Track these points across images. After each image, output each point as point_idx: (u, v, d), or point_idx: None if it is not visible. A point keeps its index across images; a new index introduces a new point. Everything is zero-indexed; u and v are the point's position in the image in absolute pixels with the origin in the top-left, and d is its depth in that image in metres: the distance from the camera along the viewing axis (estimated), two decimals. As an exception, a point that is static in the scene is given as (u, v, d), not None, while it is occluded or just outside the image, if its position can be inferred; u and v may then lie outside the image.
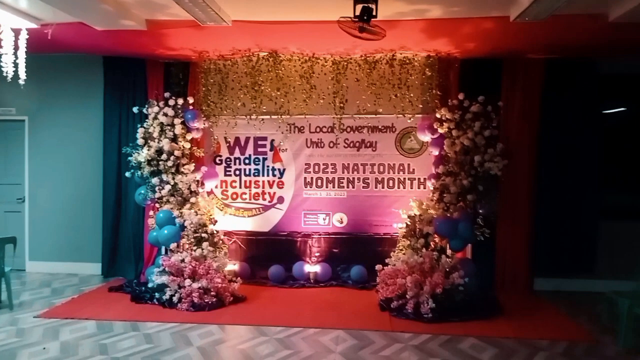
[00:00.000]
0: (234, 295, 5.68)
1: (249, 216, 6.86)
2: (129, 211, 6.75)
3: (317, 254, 6.66)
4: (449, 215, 5.81)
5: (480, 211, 5.83)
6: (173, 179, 6.11)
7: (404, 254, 5.78)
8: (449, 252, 5.72)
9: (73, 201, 7.04)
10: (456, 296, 5.24)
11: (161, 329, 4.79)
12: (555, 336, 4.71)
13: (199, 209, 6.14)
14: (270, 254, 6.69)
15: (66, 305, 5.55)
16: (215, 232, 6.14)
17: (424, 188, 6.54)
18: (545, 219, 6.29)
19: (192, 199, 6.13)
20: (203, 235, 5.94)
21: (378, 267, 5.83)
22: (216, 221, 6.28)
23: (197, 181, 6.30)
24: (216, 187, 6.82)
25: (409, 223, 5.98)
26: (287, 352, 4.24)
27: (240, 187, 6.86)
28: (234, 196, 6.87)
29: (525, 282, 6.29)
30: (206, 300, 5.40)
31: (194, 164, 6.30)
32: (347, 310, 5.44)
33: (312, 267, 6.55)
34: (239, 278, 6.02)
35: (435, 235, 5.76)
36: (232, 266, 6.53)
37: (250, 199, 6.85)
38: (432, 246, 5.72)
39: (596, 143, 6.30)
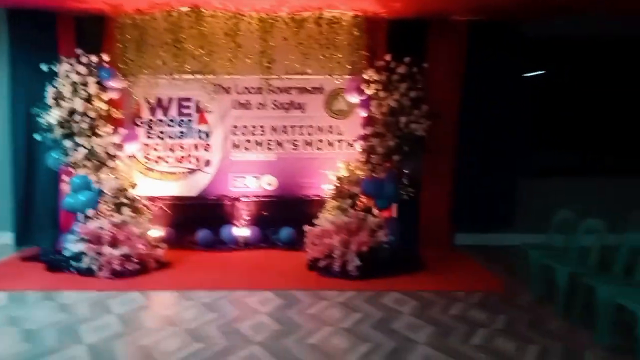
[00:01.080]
0: (159, 262, 5.52)
1: (174, 180, 6.63)
2: (41, 176, 6.28)
3: (246, 218, 6.57)
4: (375, 175, 5.89)
5: (406, 171, 5.96)
6: (88, 141, 5.74)
7: (332, 214, 5.83)
8: (375, 211, 5.82)
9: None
10: (381, 254, 5.37)
11: (79, 298, 4.58)
12: (471, 288, 4.98)
13: (118, 174, 5.84)
14: (198, 218, 6.53)
15: (-27, 277, 5.17)
16: (136, 197, 5.88)
17: (353, 149, 6.58)
18: (467, 177, 6.53)
19: (111, 163, 5.81)
20: (123, 200, 5.68)
21: (307, 227, 5.85)
22: (136, 185, 6.00)
23: (116, 144, 5.96)
24: (138, 150, 6.51)
25: (337, 184, 6.01)
26: (212, 316, 4.19)
27: (164, 150, 6.59)
28: (158, 160, 6.59)
29: (447, 238, 6.57)
30: (128, 268, 5.21)
31: (111, 127, 5.94)
32: (276, 271, 5.45)
33: (241, 231, 6.48)
34: (164, 244, 5.83)
35: (362, 196, 5.85)
36: (159, 232, 6.32)
37: (175, 162, 6.61)
38: (359, 206, 5.81)
39: (519, 105, 6.54)
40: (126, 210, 5.59)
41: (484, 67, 6.41)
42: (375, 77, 5.92)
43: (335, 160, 6.43)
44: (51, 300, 4.51)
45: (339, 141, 6.64)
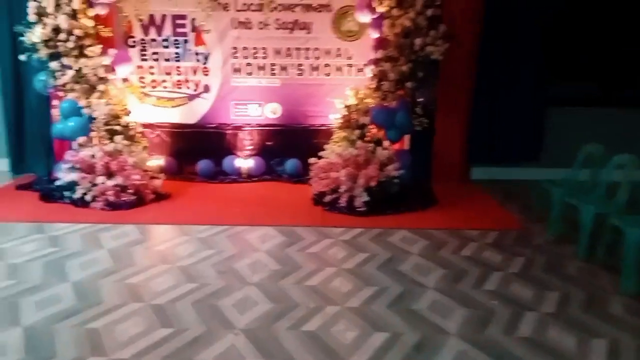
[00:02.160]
0: (156, 193, 5.24)
1: (172, 107, 6.21)
2: (31, 100, 5.91)
3: (249, 147, 6.21)
4: (386, 104, 5.42)
5: (419, 100, 5.48)
6: (76, 62, 5.29)
7: (339, 146, 5.44)
8: (385, 143, 5.41)
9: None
10: (391, 189, 5.03)
11: (70, 230, 4.35)
12: (486, 226, 4.66)
13: (110, 99, 5.44)
14: (198, 147, 6.18)
15: (-38, 207, 4.96)
16: (130, 124, 5.51)
17: (363, 75, 6.06)
18: (485, 107, 6.04)
19: (101, 87, 5.39)
20: (116, 127, 5.32)
21: (312, 160, 5.48)
22: (129, 112, 5.60)
23: (106, 66, 5.51)
24: (132, 73, 6.05)
25: (344, 113, 5.57)
26: (208, 252, 3.94)
27: (160, 74, 6.12)
28: (154, 84, 6.15)
29: (462, 173, 6.19)
30: (123, 199, 4.95)
31: (100, 46, 5.46)
32: (279, 205, 5.16)
33: (244, 162, 6.14)
34: (163, 174, 5.53)
35: (372, 126, 5.42)
36: (157, 161, 6.01)
37: (172, 88, 6.17)
38: (368, 138, 5.40)
39: (543, 30, 5.92)
40: (119, 139, 5.24)
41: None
42: (390, -8, 5.30)
43: (343, 87, 5.93)
44: (41, 232, 4.29)
45: (348, 66, 6.10)
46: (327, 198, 5.03)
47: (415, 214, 4.96)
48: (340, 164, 5.10)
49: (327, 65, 6.10)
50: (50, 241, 4.10)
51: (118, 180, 4.99)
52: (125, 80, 5.99)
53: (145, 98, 6.16)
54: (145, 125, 6.07)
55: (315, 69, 6.11)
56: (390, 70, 5.34)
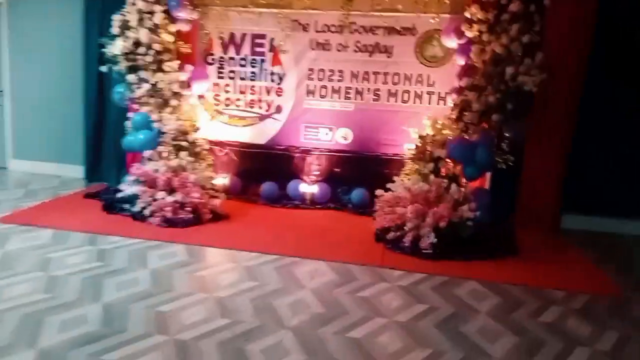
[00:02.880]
0: (215, 212, 5.07)
1: (243, 126, 6.11)
2: (111, 111, 6.08)
3: (315, 173, 5.93)
4: (466, 137, 4.89)
5: (506, 134, 4.90)
6: (153, 76, 5.33)
7: (409, 179, 4.98)
8: (462, 181, 4.88)
9: (56, 96, 6.47)
10: (463, 231, 4.48)
11: (122, 244, 4.27)
12: (574, 287, 3.95)
13: (180, 114, 5.41)
14: (265, 169, 6.01)
15: (32, 209, 5.10)
16: (197, 141, 5.44)
17: (444, 104, 5.59)
18: (584, 149, 5.30)
19: (174, 102, 5.38)
20: (183, 143, 5.26)
21: (379, 192, 5.06)
22: (198, 129, 5.54)
23: (182, 82, 5.51)
24: (208, 90, 6.04)
25: (419, 144, 5.11)
26: (250, 284, 3.64)
27: (234, 92, 6.06)
28: (227, 102, 6.09)
29: (552, 219, 5.43)
30: (181, 216, 4.83)
31: (178, 62, 5.47)
32: (338, 238, 4.78)
33: (309, 187, 5.86)
34: (222, 194, 5.38)
35: (448, 160, 4.91)
36: (222, 180, 5.91)
37: (245, 107, 6.07)
38: (443, 173, 4.89)
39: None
40: (184, 155, 5.17)
41: (623, 9, 5.01)
42: (480, 15, 4.81)
43: (421, 116, 5.49)
44: (93, 244, 4.25)
45: (429, 93, 5.66)
46: (391, 235, 4.57)
47: (489, 263, 4.35)
48: (409, 199, 4.63)
49: (406, 91, 5.70)
50: (98, 255, 4.02)
51: (178, 196, 4.89)
52: (200, 96, 5.99)
53: (218, 115, 6.10)
54: (214, 143, 6.01)
55: (393, 94, 5.73)
56: (476, 100, 4.83)
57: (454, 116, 5.04)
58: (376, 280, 3.85)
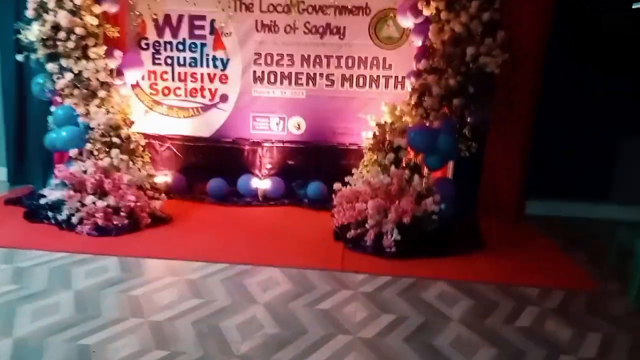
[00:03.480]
0: (155, 216, 4.54)
1: (185, 117, 5.55)
2: (33, 105, 5.37)
3: (268, 166, 5.47)
4: (428, 124, 4.55)
5: (468, 119, 4.59)
6: (76, 65, 4.69)
7: (368, 171, 4.60)
8: (424, 171, 4.55)
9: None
10: (428, 226, 4.15)
11: (43, 260, 3.68)
12: (548, 282, 3.70)
13: (110, 106, 4.81)
14: (211, 164, 5.48)
15: (-61, 222, 4.41)
16: (132, 136, 4.86)
17: (402, 89, 5.23)
18: (549, 131, 5.08)
19: (102, 93, 4.76)
20: (114, 139, 4.67)
21: (337, 186, 4.66)
22: (132, 123, 4.95)
23: (111, 70, 4.89)
24: (142, 78, 5.43)
25: (377, 133, 4.73)
26: (193, 302, 3.17)
27: (173, 81, 5.47)
28: (166, 91, 5.50)
29: (516, 208, 5.20)
30: (115, 223, 4.27)
31: (105, 48, 4.85)
32: (293, 238, 4.36)
33: (261, 182, 5.39)
34: (164, 195, 4.83)
35: (409, 150, 4.55)
36: (164, 178, 5.36)
37: (186, 96, 5.50)
38: (404, 163, 4.54)
39: (627, 43, 4.93)
40: (116, 153, 4.58)
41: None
42: (438, -8, 4.45)
43: (378, 102, 5.11)
44: (9, 261, 3.64)
45: (385, 77, 5.27)
46: (351, 233, 4.18)
47: (456, 260, 4.04)
48: (369, 194, 4.25)
49: (361, 75, 5.29)
50: (14, 275, 3.43)
51: (110, 200, 4.32)
52: (134, 86, 5.39)
53: (156, 106, 5.52)
54: (153, 137, 5.44)
55: (348, 79, 5.31)
56: (435, 83, 4.47)
57: (413, 101, 4.68)
58: (337, 287, 3.46)
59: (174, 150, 5.53)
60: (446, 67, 4.49)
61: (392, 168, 4.38)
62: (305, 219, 4.93)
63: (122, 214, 4.32)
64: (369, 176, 4.44)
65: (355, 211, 4.23)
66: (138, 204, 4.42)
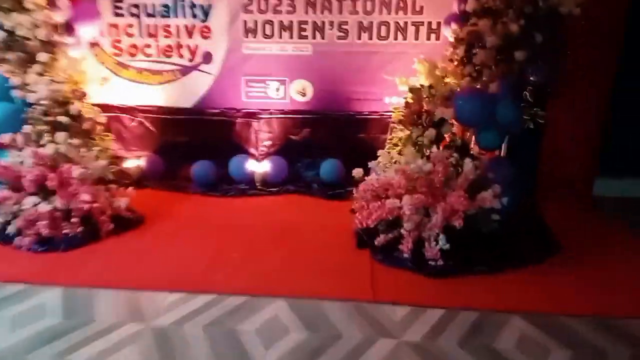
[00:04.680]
0: (120, 218, 3.45)
1: (159, 83, 4.37)
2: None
3: (266, 143, 4.35)
4: (479, 88, 3.37)
5: (533, 79, 3.41)
6: (7, 19, 3.49)
7: (399, 152, 3.46)
8: (474, 151, 3.41)
9: None
10: (485, 228, 3.06)
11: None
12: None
13: (56, 74, 3.62)
14: (195, 142, 4.37)
15: None
16: (85, 113, 3.70)
17: (438, 40, 4.02)
18: (630, 96, 3.92)
19: (43, 56, 3.56)
20: (61, 119, 3.52)
21: (356, 171, 3.55)
22: (84, 95, 3.77)
23: (55, 25, 3.68)
24: (101, 34, 4.22)
25: (410, 100, 3.55)
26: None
27: (141, 36, 4.26)
28: (133, 51, 4.29)
29: (584, 190, 4.11)
30: (64, 232, 3.20)
31: (46, -5, 3.62)
32: (305, 246, 3.28)
33: (258, 164, 4.29)
34: (130, 188, 3.69)
35: (455, 123, 3.39)
36: (136, 162, 4.27)
37: (158, 56, 4.30)
38: (447, 142, 3.39)
39: None
40: (63, 137, 3.44)
41: None
42: None
43: (408, 58, 3.93)
44: None
45: (415, 25, 4.05)
46: (380, 239, 3.10)
47: (527, 276, 2.97)
48: (403, 186, 3.13)
49: (383, 23, 4.06)
50: None
51: (57, 202, 3.23)
52: (93, 44, 4.20)
53: (121, 70, 4.33)
54: (120, 109, 4.31)
55: (366, 28, 4.09)
56: (489, 31, 3.26)
57: (458, 57, 3.48)
58: (371, 334, 2.41)
59: (147, 125, 4.39)
60: (505, 6, 3.28)
61: (434, 149, 3.22)
62: (317, 213, 3.85)
63: (74, 219, 3.24)
64: (402, 160, 3.30)
65: (386, 209, 3.12)
66: (95, 204, 3.32)
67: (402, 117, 3.51)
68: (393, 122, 3.73)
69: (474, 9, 3.41)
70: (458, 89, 3.39)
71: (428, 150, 3.26)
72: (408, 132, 3.51)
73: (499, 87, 3.27)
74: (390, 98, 4.16)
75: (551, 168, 4.06)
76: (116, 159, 4.12)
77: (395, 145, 3.58)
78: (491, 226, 3.07)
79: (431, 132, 3.29)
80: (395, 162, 3.40)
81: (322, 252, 3.19)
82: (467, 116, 3.30)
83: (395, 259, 3.05)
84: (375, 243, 3.11)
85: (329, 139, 4.30)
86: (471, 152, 3.32)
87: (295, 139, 4.34)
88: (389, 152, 3.53)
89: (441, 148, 3.27)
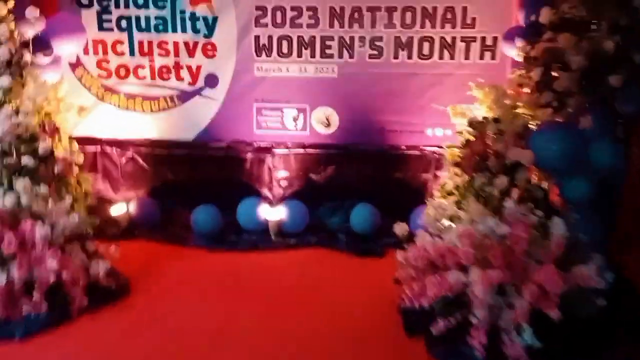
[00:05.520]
0: (98, 289, 2.69)
1: (154, 111, 3.64)
2: None
3: (282, 184, 3.59)
4: (559, 121, 2.59)
5: (623, 108, 2.63)
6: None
7: (459, 204, 2.67)
8: (557, 204, 2.61)
9: None
10: (583, 312, 2.26)
11: None
12: None
13: (20, 103, 2.88)
14: (197, 182, 3.64)
15: None
16: (58, 151, 2.94)
17: (494, 59, 3.28)
18: None
19: (4, 81, 2.83)
20: (25, 162, 2.77)
21: (400, 228, 2.76)
22: (56, 129, 3.00)
23: (24, 42, 2.96)
24: (85, 52, 3.51)
25: (469, 135, 2.77)
26: None
27: (132, 55, 3.54)
28: (122, 72, 3.57)
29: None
30: (24, 313, 2.45)
31: (11, 2, 2.90)
32: (331, 322, 2.53)
33: (272, 210, 3.53)
34: (114, 247, 2.91)
35: (533, 170, 2.60)
36: (122, 207, 3.53)
37: (153, 79, 3.57)
38: (520, 193, 2.58)
39: None
40: (23, 185, 2.68)
41: None
42: None
43: (456, 81, 3.20)
44: None
45: (466, 40, 3.31)
46: (439, 326, 2.30)
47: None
48: (470, 255, 2.33)
49: (426, 39, 3.32)
50: None
51: (15, 271, 2.47)
52: (75, 65, 3.50)
53: (109, 95, 3.61)
54: (108, 143, 3.59)
55: (404, 45, 3.35)
56: (573, 49, 2.51)
57: (532, 81, 2.71)
58: None
59: (140, 161, 3.66)
60: (591, 17, 2.53)
61: (508, 203, 2.42)
62: (347, 275, 3.08)
63: (36, 294, 2.48)
64: (463, 217, 2.51)
65: (447, 285, 2.33)
66: (66, 273, 2.55)
67: (461, 159, 2.72)
68: (447, 163, 2.95)
69: (550, 21, 2.67)
70: (534, 123, 2.62)
71: (500, 204, 2.46)
72: (467, 177, 2.73)
73: (590, 121, 2.49)
74: (434, 129, 3.42)
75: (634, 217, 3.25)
76: (100, 203, 3.38)
77: (449, 193, 2.78)
78: (588, 310, 2.28)
79: (502, 181, 2.50)
80: (450, 218, 2.61)
81: (356, 337, 2.41)
82: (551, 159, 2.50)
83: (461, 355, 2.27)
84: (433, 331, 2.32)
85: (358, 179, 3.56)
86: (556, 207, 2.52)
87: (318, 179, 3.58)
88: (441, 202, 2.74)
89: (516, 201, 2.47)
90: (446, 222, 2.64)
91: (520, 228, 2.31)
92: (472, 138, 2.69)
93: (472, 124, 2.70)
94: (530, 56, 2.76)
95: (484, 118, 2.71)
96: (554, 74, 2.62)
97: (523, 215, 2.35)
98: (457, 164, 2.76)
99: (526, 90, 2.76)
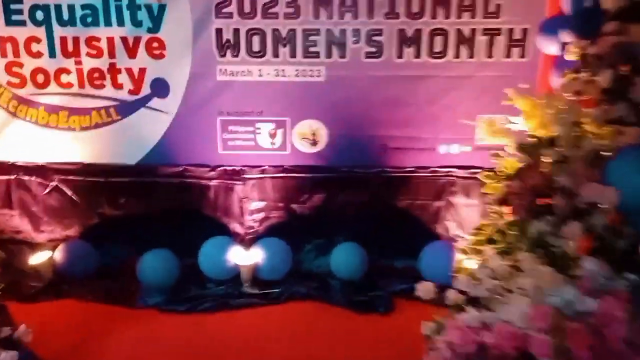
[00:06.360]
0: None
1: (83, 128, 2.78)
2: None
3: (256, 217, 2.81)
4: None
5: None
6: None
7: (515, 268, 1.93)
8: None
9: None
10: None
11: None
12: None
13: None
14: (144, 218, 2.81)
15: None
16: None
17: (523, 57, 2.60)
18: None
19: None
20: None
21: (424, 288, 2.01)
22: None
23: None
24: (-13, 56, 2.64)
25: (522, 165, 2.03)
26: None
27: (52, 56, 2.67)
28: (41, 78, 2.71)
29: None
30: None
31: None
32: None
33: (245, 252, 2.74)
34: (24, 327, 2.07)
35: (613, 214, 1.90)
36: (45, 255, 2.68)
37: (81, 87, 2.72)
38: (589, 244, 1.88)
39: None
40: None
41: None
42: None
43: (477, 85, 2.55)
44: None
45: (489, 33, 2.60)
46: None
47: None
48: (546, 345, 1.60)
49: (437, 31, 2.60)
50: None
51: None
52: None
53: (25, 109, 2.74)
54: (24, 170, 2.74)
55: (411, 40, 2.62)
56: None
57: (593, 89, 2.01)
58: None
59: (67, 192, 2.80)
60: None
61: (590, 265, 1.71)
62: (352, 344, 2.32)
63: None
64: (523, 283, 1.78)
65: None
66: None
67: (512, 198, 1.99)
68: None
69: (618, 7, 1.98)
70: (604, 145, 1.92)
71: (574, 262, 1.75)
72: (511, 218, 2.01)
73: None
74: (448, 147, 2.71)
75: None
76: (16, 249, 2.54)
77: (491, 240, 2.05)
78: None
79: (575, 229, 1.78)
80: (497, 279, 1.88)
81: None
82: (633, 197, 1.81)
83: None
84: None
85: (353, 210, 2.80)
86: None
87: (301, 210, 2.81)
88: (486, 258, 2.01)
89: (586, 256, 1.77)
90: (488, 283, 1.91)
91: (612, 302, 1.60)
92: (523, 165, 1.97)
93: (524, 147, 1.97)
94: (589, 54, 2.07)
95: (537, 138, 1.99)
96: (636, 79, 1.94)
97: (613, 281, 1.65)
98: (503, 202, 2.03)
99: (585, 98, 2.06)
